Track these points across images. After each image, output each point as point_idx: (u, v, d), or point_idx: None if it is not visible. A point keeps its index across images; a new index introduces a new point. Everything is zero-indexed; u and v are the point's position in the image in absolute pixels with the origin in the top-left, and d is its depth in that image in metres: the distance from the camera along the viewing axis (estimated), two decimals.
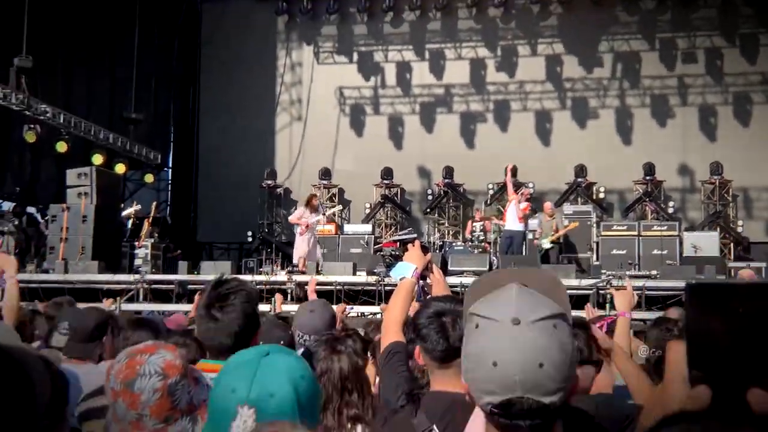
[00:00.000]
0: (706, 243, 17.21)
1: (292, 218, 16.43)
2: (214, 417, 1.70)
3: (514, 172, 19.88)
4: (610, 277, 14.45)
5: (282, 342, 3.97)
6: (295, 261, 16.21)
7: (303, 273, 15.29)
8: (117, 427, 2.06)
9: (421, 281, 3.42)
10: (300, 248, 16.06)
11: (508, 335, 1.43)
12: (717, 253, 17.27)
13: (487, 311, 1.48)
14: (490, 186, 20.82)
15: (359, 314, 11.84)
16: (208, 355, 2.68)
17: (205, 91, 23.44)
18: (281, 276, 15.84)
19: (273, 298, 9.25)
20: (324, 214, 16.61)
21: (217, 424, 1.67)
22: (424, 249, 3.47)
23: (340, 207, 20.62)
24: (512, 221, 16.24)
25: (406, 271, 3.32)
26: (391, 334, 3.01)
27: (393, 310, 3.14)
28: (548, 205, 17.72)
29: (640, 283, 14.16)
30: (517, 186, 17.78)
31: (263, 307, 10.66)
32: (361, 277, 15.42)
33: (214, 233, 22.65)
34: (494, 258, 16.45)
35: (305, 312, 4.36)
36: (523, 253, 16.73)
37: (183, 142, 24.05)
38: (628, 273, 15.03)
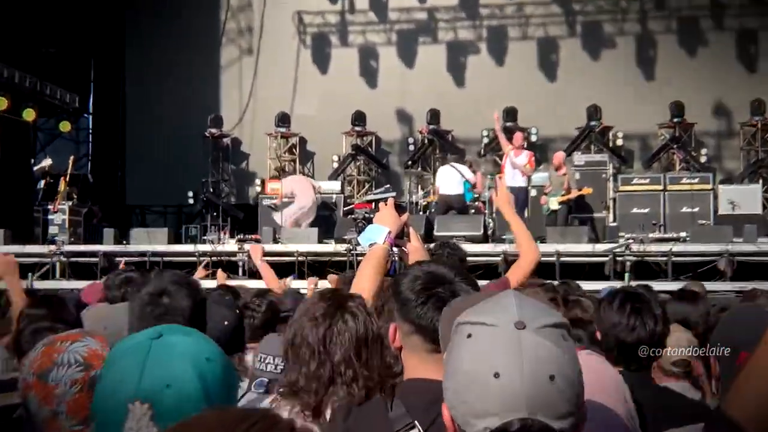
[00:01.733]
0: (746, 198, 17.36)
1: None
2: (100, 419, 1.66)
3: (513, 116, 19.90)
4: (630, 241, 14.55)
5: (227, 323, 3.89)
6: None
7: (257, 241, 15.26)
8: (29, 427, 2.07)
9: (395, 248, 3.37)
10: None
11: (511, 341, 1.42)
12: (759, 210, 17.41)
13: (482, 317, 1.47)
14: (485, 133, 20.82)
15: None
16: None
17: (133, 19, 23.14)
18: (230, 245, 15.82)
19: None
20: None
21: (105, 428, 1.63)
22: (399, 208, 3.43)
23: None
24: (510, 176, 16.30)
25: (376, 235, 3.29)
26: None
27: (360, 284, 3.11)
28: (559, 155, 17.70)
29: (666, 247, 14.30)
30: (513, 132, 17.80)
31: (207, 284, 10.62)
32: (329, 245, 15.43)
33: (146, 194, 22.51)
34: (489, 220, 16.49)
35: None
36: (526, 213, 16.78)
37: (106, 81, 23.77)
38: (651, 235, 15.12)
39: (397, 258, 3.39)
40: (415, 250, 3.40)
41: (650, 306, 3.45)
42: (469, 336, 1.46)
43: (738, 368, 2.40)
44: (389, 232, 3.29)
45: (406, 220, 3.42)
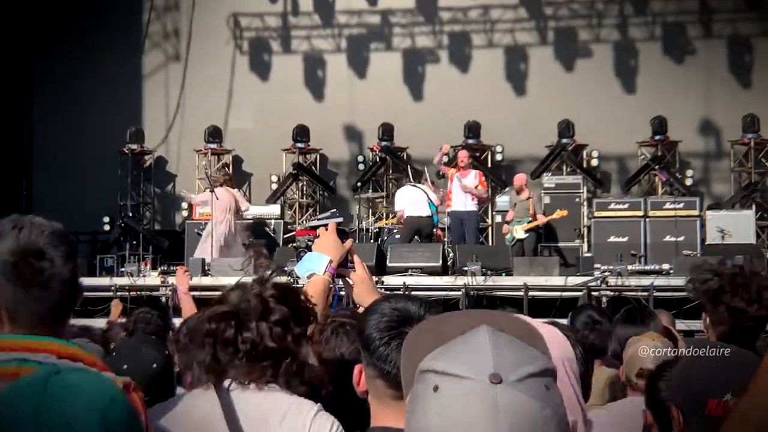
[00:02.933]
0: (738, 226, 17.55)
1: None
2: None
3: (476, 132, 20.02)
4: (607, 273, 14.69)
5: (155, 365, 3.93)
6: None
7: (186, 272, 15.15)
8: None
9: (338, 280, 3.41)
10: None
11: (486, 399, 1.36)
12: (752, 240, 17.64)
13: (450, 366, 1.41)
14: (449, 150, 20.85)
15: None
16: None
17: (40, 18, 22.90)
18: (152, 278, 15.71)
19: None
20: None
21: None
22: (342, 234, 3.47)
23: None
24: (461, 200, 16.42)
25: (316, 265, 3.32)
26: None
27: None
28: (520, 177, 17.90)
29: (647, 281, 14.43)
30: (474, 149, 17.90)
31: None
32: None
33: (55, 219, 21.96)
34: (449, 249, 16.57)
35: None
36: (480, 239, 16.93)
37: (9, 94, 23.49)
38: (630, 267, 15.28)
39: (339, 290, 3.43)
40: (361, 281, 3.42)
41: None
42: (436, 389, 1.40)
43: (710, 416, 2.48)
44: (330, 261, 3.33)
45: (349, 247, 3.46)
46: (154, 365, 3.92)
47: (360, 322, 2.53)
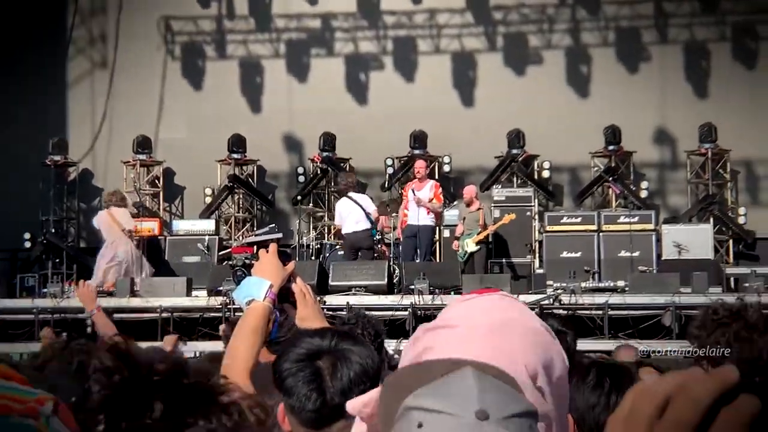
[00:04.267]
0: (695, 240, 17.76)
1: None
2: None
3: (422, 142, 20.07)
4: (559, 291, 14.78)
5: (74, 399, 3.85)
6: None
7: (110, 294, 15.02)
8: None
9: (279, 305, 3.37)
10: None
11: None
12: (710, 255, 17.81)
13: (436, 403, 1.43)
14: (389, 161, 20.89)
15: (197, 353, 11.69)
16: None
17: None
18: (77, 299, 15.50)
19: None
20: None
21: None
22: (284, 256, 3.42)
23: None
24: (413, 213, 16.42)
25: (255, 290, 3.27)
26: (236, 377, 2.94)
27: (237, 351, 3.09)
28: (470, 189, 17.93)
29: (601, 299, 14.54)
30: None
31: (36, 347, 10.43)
32: (200, 299, 15.28)
33: None
34: (394, 266, 16.57)
35: None
36: (435, 256, 16.94)
37: None
38: (584, 284, 15.39)
39: (279, 317, 3.37)
40: (305, 305, 3.39)
41: (632, 378, 3.50)
42: (420, 426, 1.41)
43: None
44: (271, 286, 3.28)
45: (291, 270, 3.41)
46: (73, 399, 3.83)
47: (276, 360, 2.55)
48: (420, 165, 17.23)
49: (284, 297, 3.38)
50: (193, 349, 12.19)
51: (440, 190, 17.29)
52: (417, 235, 16.57)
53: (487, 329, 1.70)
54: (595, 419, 3.43)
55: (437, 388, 1.47)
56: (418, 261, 16.72)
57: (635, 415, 1.40)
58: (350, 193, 17.41)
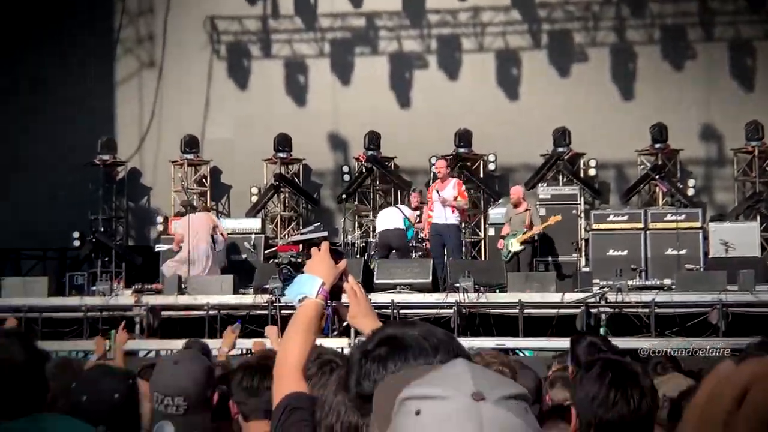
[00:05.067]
0: (742, 238, 17.62)
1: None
2: None
3: (467, 141, 20.04)
4: (606, 289, 14.70)
5: (117, 396, 3.91)
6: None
7: (159, 292, 15.16)
8: None
9: (332, 302, 3.38)
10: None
11: (469, 415, 1.41)
12: (757, 253, 17.67)
13: (431, 389, 1.46)
14: (434, 160, 20.78)
15: (243, 351, 11.77)
16: None
17: (4, 21, 22.84)
18: (125, 297, 15.67)
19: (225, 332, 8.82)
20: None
21: None
22: (336, 254, 3.43)
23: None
24: (439, 212, 16.33)
25: (307, 287, 3.29)
26: (286, 382, 2.98)
27: (289, 347, 3.10)
28: (517, 190, 17.89)
29: (648, 297, 14.44)
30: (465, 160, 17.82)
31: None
32: (247, 297, 15.36)
33: (20, 235, 22.08)
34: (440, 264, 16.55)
35: (167, 366, 4.38)
36: (461, 254, 16.87)
37: None
38: (630, 283, 15.30)
39: (334, 313, 3.40)
40: (357, 302, 3.40)
41: (637, 378, 3.48)
42: (418, 413, 1.44)
43: None
44: (323, 284, 3.29)
45: (343, 268, 3.42)
46: (116, 395, 3.90)
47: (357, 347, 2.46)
48: (440, 165, 17.06)
49: (335, 295, 3.39)
50: (240, 346, 12.26)
51: (463, 187, 17.11)
52: (442, 235, 16.44)
53: None
54: (594, 411, 3.43)
55: (431, 377, 1.51)
56: (452, 259, 16.59)
57: (713, 403, 1.41)
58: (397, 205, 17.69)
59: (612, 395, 3.39)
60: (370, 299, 4.25)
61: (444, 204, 16.30)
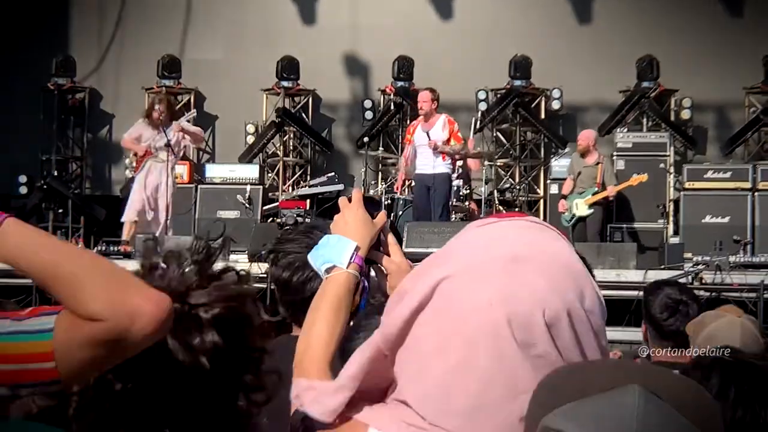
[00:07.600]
0: None
1: (125, 139, 16.74)
2: None
3: (524, 71, 20.00)
4: (701, 266, 14.60)
5: None
6: (125, 222, 16.35)
7: (128, 256, 15.17)
8: None
9: (369, 270, 3.25)
10: (134, 201, 16.27)
11: None
12: None
13: (581, 428, 1.49)
14: (482, 95, 20.87)
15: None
16: None
17: None
18: None
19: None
20: (180, 131, 16.43)
21: None
22: (372, 204, 3.32)
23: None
24: (425, 159, 16.17)
25: (336, 254, 3.16)
26: (311, 368, 2.88)
27: (313, 333, 2.99)
28: (587, 135, 17.85)
29: (755, 278, 14.35)
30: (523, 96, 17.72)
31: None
32: (240, 265, 15.29)
33: None
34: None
35: None
36: (449, 215, 16.59)
37: None
38: (733, 259, 15.20)
39: (368, 287, 3.25)
40: (398, 270, 3.26)
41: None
42: None
43: None
44: (357, 248, 3.16)
45: (382, 224, 3.29)
46: None
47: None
48: (425, 97, 16.60)
49: (373, 261, 3.25)
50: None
51: (456, 126, 16.80)
52: (429, 187, 16.21)
53: (507, 261, 1.87)
54: None
55: (588, 408, 1.53)
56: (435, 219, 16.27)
57: None
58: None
59: (740, 414, 3.17)
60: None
61: (436, 150, 16.07)
